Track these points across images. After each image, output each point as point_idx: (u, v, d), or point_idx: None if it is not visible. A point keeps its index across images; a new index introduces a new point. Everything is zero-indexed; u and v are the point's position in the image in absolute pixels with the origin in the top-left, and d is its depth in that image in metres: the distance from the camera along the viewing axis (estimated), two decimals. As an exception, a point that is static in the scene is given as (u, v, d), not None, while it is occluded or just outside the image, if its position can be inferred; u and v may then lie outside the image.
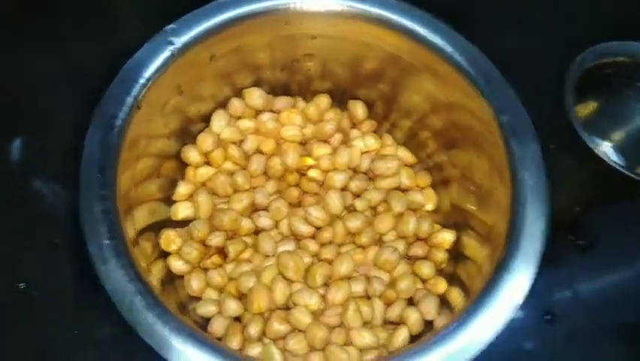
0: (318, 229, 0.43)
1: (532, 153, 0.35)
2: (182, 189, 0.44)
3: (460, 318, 0.32)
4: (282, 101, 0.47)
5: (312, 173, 0.45)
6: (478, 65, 0.38)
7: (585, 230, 0.46)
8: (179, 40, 0.38)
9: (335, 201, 0.43)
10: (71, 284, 0.43)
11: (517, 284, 0.32)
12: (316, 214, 0.43)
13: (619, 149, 0.45)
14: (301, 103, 0.48)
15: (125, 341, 0.40)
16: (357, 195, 0.45)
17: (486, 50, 0.39)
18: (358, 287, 0.42)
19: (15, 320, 0.41)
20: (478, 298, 0.32)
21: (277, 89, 0.48)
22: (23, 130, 0.47)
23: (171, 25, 0.39)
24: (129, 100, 0.36)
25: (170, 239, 0.41)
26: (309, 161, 0.45)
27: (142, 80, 0.36)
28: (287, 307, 0.40)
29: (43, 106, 0.49)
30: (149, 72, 0.37)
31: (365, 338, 0.38)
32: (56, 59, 0.51)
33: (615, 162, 0.40)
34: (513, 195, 0.35)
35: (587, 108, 0.45)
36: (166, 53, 0.38)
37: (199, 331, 0.32)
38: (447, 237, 0.44)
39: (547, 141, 0.37)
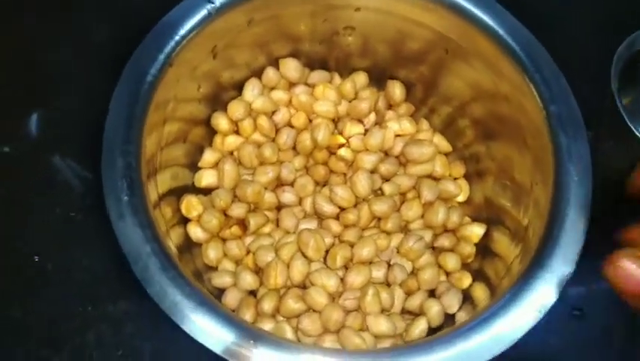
0: (343, 210, 0.42)
1: (580, 149, 0.33)
2: (209, 156, 0.43)
3: (486, 314, 0.30)
4: (318, 75, 0.46)
5: (342, 152, 0.43)
6: (531, 51, 0.36)
7: (622, 222, 0.44)
8: (218, 0, 0.37)
9: (363, 183, 0.41)
10: (86, 259, 0.42)
11: (549, 287, 0.30)
12: (342, 194, 0.41)
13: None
14: (337, 79, 0.47)
15: (138, 317, 0.40)
16: (386, 179, 0.44)
17: (530, 28, 0.37)
18: (379, 273, 0.40)
19: (28, 292, 0.41)
20: (506, 295, 0.30)
21: (314, 63, 0.46)
22: (40, 104, 0.46)
23: (211, -15, 0.37)
24: (161, 57, 0.35)
25: (192, 205, 0.40)
26: (340, 139, 0.43)
27: (177, 38, 0.35)
28: (304, 286, 0.39)
29: (61, 80, 0.47)
30: (184, 30, 0.36)
31: (382, 324, 0.37)
32: (72, 30, 0.49)
33: None
34: (554, 193, 0.33)
35: (631, 95, 0.42)
36: (203, 12, 0.36)
37: (212, 298, 0.31)
38: (476, 230, 0.42)
39: (588, 126, 0.34)
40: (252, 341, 0.29)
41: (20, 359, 0.39)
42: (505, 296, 0.30)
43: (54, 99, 0.47)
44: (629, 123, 0.37)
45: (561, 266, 0.31)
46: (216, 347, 0.29)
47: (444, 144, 0.46)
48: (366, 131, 0.44)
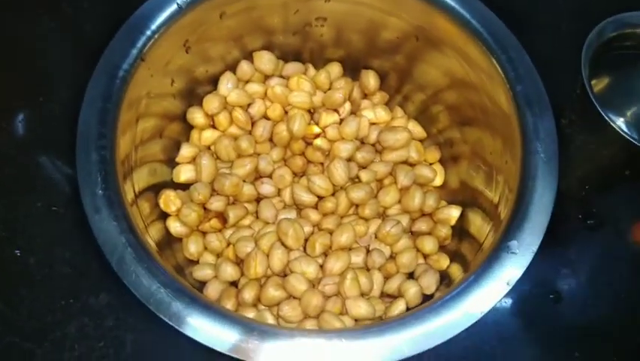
0: (321, 199, 0.43)
1: (545, 124, 0.34)
2: (186, 151, 0.43)
3: (457, 290, 0.30)
4: (292, 67, 0.46)
5: (318, 142, 0.44)
6: (496, 33, 0.37)
7: (594, 208, 0.45)
8: (187, -6, 0.37)
9: (339, 171, 0.42)
10: (68, 253, 0.42)
11: (517, 260, 0.31)
12: (320, 183, 0.42)
13: (633, 125, 0.43)
14: (312, 70, 0.47)
15: (119, 309, 0.41)
16: (362, 167, 0.44)
17: (503, 17, 0.38)
18: (358, 258, 0.41)
19: (10, 286, 0.41)
20: (476, 270, 0.31)
21: (288, 55, 0.47)
22: (25, 102, 0.47)
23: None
24: (134, 52, 0.35)
25: (170, 200, 0.41)
26: (316, 129, 0.44)
27: (148, 32, 0.36)
28: (284, 275, 0.40)
29: (47, 78, 0.48)
30: (154, 25, 0.36)
31: (361, 308, 0.37)
32: (59, 29, 0.50)
33: (631, 136, 0.38)
34: (522, 169, 0.33)
35: (602, 82, 0.43)
36: (173, 6, 0.37)
37: (188, 285, 0.31)
38: (453, 213, 0.43)
39: (560, 113, 0.35)
40: (233, 327, 0.29)
41: (3, 351, 0.40)
42: (475, 271, 0.31)
43: (40, 98, 0.47)
44: (599, 110, 0.38)
45: (529, 238, 0.31)
46: (194, 334, 0.30)
47: (418, 130, 0.46)
48: (342, 120, 0.45)
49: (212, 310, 0.30)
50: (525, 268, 0.30)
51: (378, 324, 0.30)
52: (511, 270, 0.30)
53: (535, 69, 0.36)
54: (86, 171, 0.32)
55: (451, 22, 0.39)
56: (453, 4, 0.39)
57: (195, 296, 0.30)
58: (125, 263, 0.30)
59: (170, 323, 0.29)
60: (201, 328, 0.30)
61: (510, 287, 0.30)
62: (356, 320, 0.38)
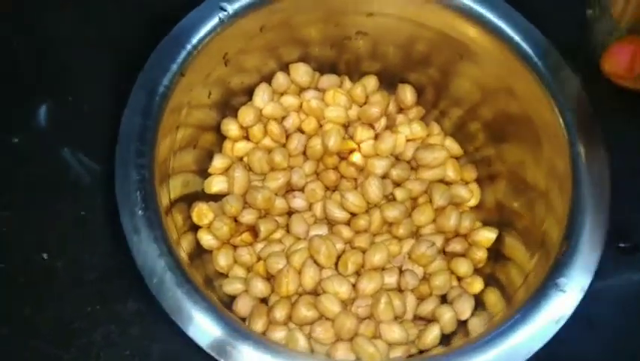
0: (354, 215, 0.42)
1: (598, 157, 0.33)
2: (218, 162, 0.43)
3: (504, 326, 0.30)
4: (328, 80, 0.45)
5: (353, 157, 0.43)
6: (546, 55, 0.36)
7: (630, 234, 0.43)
8: (231, 8, 0.36)
9: (374, 188, 0.41)
10: (95, 258, 0.41)
11: (568, 297, 0.30)
12: (353, 200, 0.41)
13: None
14: (348, 83, 0.46)
15: (147, 317, 0.40)
16: (397, 184, 0.43)
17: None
18: (391, 279, 0.40)
19: (37, 291, 0.41)
20: (524, 306, 0.30)
21: (324, 67, 0.46)
22: (50, 95, 0.45)
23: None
24: (174, 67, 0.35)
25: (203, 213, 0.40)
26: (351, 145, 0.43)
27: (189, 47, 0.35)
28: (315, 293, 0.39)
29: (72, 71, 0.46)
30: (195, 39, 0.35)
31: (395, 332, 0.37)
32: (85, 22, 0.48)
33: None
34: (573, 198, 0.32)
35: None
36: (215, 20, 0.36)
37: (227, 312, 0.31)
38: (488, 235, 0.42)
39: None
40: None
41: (28, 357, 0.39)
42: (522, 307, 0.30)
43: (65, 91, 0.45)
44: None
45: (580, 276, 0.31)
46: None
47: (455, 148, 0.45)
48: (377, 135, 0.44)
49: (255, 341, 0.29)
50: (574, 308, 0.30)
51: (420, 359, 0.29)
52: (559, 309, 0.30)
53: (586, 95, 0.34)
54: (124, 191, 0.32)
55: (497, 40, 0.38)
56: (499, 22, 0.38)
57: (237, 326, 0.30)
58: (165, 287, 0.30)
59: (210, 352, 0.29)
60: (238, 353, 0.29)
61: (559, 327, 0.29)
62: (389, 344, 0.37)
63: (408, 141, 0.44)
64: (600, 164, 0.33)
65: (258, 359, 0.29)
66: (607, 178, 0.33)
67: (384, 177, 0.43)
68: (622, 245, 0.43)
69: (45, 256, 0.42)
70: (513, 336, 0.29)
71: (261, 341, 0.30)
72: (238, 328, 0.30)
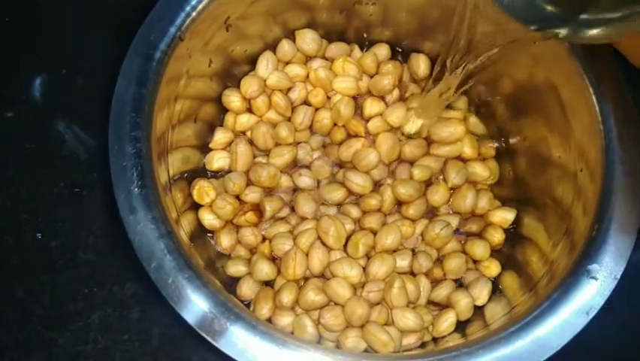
0: (359, 196, 0.40)
1: (631, 131, 0.30)
2: (220, 136, 0.40)
3: (529, 317, 0.27)
4: (336, 48, 0.42)
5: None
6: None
7: None
8: (232, -33, 0.33)
9: (388, 144, 0.39)
10: (91, 237, 0.40)
11: (599, 285, 0.28)
12: (357, 181, 0.39)
13: None
14: (357, 51, 0.43)
15: (145, 300, 0.39)
16: (410, 162, 0.41)
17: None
18: (403, 262, 0.38)
19: (32, 272, 0.39)
20: (551, 296, 0.28)
21: (332, 34, 0.43)
22: (44, 69, 0.44)
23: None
24: (172, 30, 0.32)
25: (204, 191, 0.38)
26: (360, 129, 0.40)
27: (187, 9, 0.32)
28: (324, 276, 0.37)
29: (66, 44, 0.45)
30: (195, 0, 0.32)
31: (409, 319, 0.35)
32: None
33: None
34: (604, 178, 0.30)
35: None
36: (216, -20, 0.33)
37: (231, 298, 0.29)
38: (507, 216, 0.39)
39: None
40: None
41: (23, 340, 0.38)
42: (550, 296, 0.28)
43: (60, 63, 0.44)
44: None
45: (612, 263, 0.28)
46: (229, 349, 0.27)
47: (480, 127, 0.42)
48: (388, 106, 0.41)
49: (260, 330, 0.27)
50: (607, 298, 0.27)
51: (440, 352, 0.27)
52: (591, 298, 0.27)
53: (620, 70, 0.32)
54: (119, 166, 0.29)
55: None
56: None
57: (242, 314, 0.27)
58: (164, 272, 0.27)
59: (211, 341, 0.27)
60: (246, 348, 0.27)
61: (590, 318, 0.27)
62: (402, 331, 0.35)
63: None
64: (634, 142, 0.30)
65: (263, 349, 0.27)
66: (641, 156, 0.30)
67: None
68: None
69: (39, 235, 0.40)
70: (539, 328, 0.27)
71: (267, 330, 0.27)
72: (243, 316, 0.28)
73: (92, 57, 0.44)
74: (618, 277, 0.28)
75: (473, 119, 0.42)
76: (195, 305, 0.28)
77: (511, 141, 0.41)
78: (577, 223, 0.31)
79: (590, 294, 0.28)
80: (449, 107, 0.42)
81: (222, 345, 0.27)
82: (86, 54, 0.44)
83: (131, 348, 0.38)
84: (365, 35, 0.43)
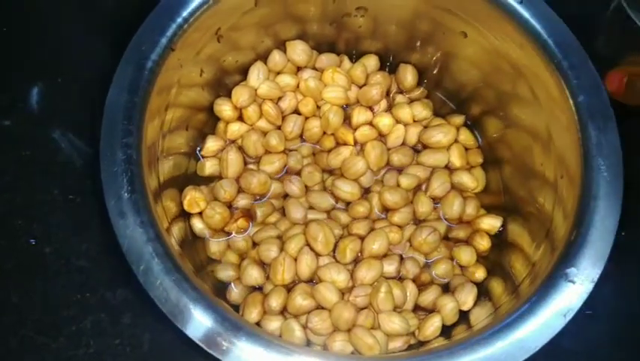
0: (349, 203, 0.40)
1: (609, 139, 0.31)
2: (211, 144, 0.41)
3: (510, 318, 0.28)
4: (326, 59, 0.43)
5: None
6: (558, 36, 0.34)
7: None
8: (223, -21, 0.34)
9: (375, 153, 0.40)
10: (85, 244, 0.40)
11: (577, 288, 0.28)
12: (345, 188, 0.40)
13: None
14: (347, 62, 0.44)
15: (137, 305, 0.39)
16: (398, 170, 0.42)
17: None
18: (390, 268, 0.39)
19: (25, 277, 0.40)
20: (531, 298, 0.29)
21: (323, 45, 0.44)
22: (41, 78, 0.45)
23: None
24: (163, 41, 0.33)
25: (195, 201, 0.38)
26: (349, 137, 0.41)
27: (179, 20, 0.33)
28: (312, 281, 0.38)
29: (62, 54, 0.46)
30: (186, 11, 0.33)
31: (395, 323, 0.35)
32: (75, 3, 0.47)
33: None
34: (583, 184, 0.31)
35: None
36: (207, -8, 0.34)
37: (219, 301, 0.29)
38: (494, 223, 0.40)
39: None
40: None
41: (16, 345, 0.38)
42: (529, 299, 0.29)
43: (56, 72, 0.45)
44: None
45: (589, 266, 0.29)
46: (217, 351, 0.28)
47: (471, 139, 0.43)
48: (375, 116, 0.42)
49: (248, 333, 0.28)
50: (584, 300, 0.28)
51: (422, 353, 0.28)
52: (569, 301, 0.28)
53: (600, 78, 0.33)
54: (110, 172, 0.30)
55: (507, 19, 0.36)
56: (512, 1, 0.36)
57: (229, 317, 0.28)
58: (152, 275, 0.28)
59: (201, 345, 0.27)
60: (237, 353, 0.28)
61: (567, 320, 0.27)
62: (388, 335, 0.36)
63: (406, 125, 0.42)
64: (612, 151, 0.31)
65: (251, 352, 0.27)
66: (620, 166, 0.31)
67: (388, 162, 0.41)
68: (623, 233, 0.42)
69: (33, 241, 0.41)
70: (519, 329, 0.28)
71: (255, 333, 0.28)
72: (230, 319, 0.28)
73: (88, 66, 0.44)
74: (595, 280, 0.28)
75: (464, 132, 0.43)
76: (182, 308, 0.28)
77: (499, 151, 0.42)
78: (557, 228, 0.32)
79: (568, 297, 0.28)
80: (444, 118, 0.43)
81: (211, 348, 0.28)
82: (82, 63, 0.45)
83: (122, 353, 0.39)
84: (354, 46, 0.44)
